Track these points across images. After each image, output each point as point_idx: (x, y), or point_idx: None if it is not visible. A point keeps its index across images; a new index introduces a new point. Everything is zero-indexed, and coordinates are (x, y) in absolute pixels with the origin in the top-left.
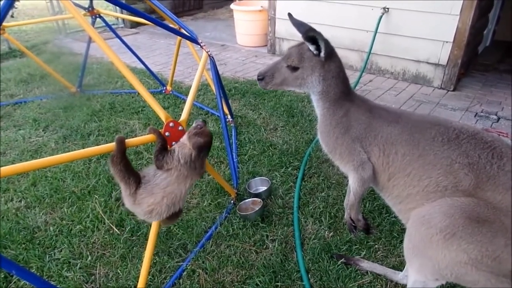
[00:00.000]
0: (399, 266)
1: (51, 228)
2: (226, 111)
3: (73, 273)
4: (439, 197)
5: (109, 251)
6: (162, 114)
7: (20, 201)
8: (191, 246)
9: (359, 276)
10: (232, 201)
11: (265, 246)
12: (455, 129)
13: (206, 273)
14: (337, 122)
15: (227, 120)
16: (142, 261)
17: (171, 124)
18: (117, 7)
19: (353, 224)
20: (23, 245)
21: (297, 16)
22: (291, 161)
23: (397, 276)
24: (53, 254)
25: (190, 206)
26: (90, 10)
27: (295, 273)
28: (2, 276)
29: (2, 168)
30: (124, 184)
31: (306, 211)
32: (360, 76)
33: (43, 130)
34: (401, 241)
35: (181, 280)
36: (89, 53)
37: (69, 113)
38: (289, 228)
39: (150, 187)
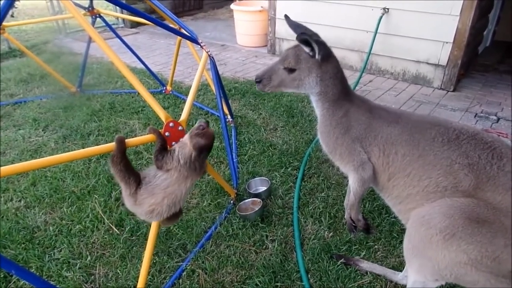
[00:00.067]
0: (399, 266)
1: (51, 228)
2: (226, 111)
3: (72, 273)
4: (439, 198)
5: (108, 251)
6: (162, 114)
7: (20, 201)
8: (190, 246)
9: (359, 277)
10: (231, 201)
11: (264, 246)
12: (455, 130)
13: (206, 273)
14: (337, 123)
15: (227, 120)
16: (141, 261)
17: (171, 124)
18: (117, 7)
19: (353, 224)
20: (22, 245)
21: (297, 17)
22: (291, 161)
23: (397, 277)
24: (52, 254)
25: (190, 206)
26: (90, 10)
27: (295, 273)
28: (2, 276)
29: (2, 168)
30: (124, 184)
31: (306, 211)
32: (360, 77)
33: (43, 130)
34: (401, 242)
35: (180, 280)
36: (89, 53)
37: (69, 113)
38: (289, 228)
39: (151, 187)
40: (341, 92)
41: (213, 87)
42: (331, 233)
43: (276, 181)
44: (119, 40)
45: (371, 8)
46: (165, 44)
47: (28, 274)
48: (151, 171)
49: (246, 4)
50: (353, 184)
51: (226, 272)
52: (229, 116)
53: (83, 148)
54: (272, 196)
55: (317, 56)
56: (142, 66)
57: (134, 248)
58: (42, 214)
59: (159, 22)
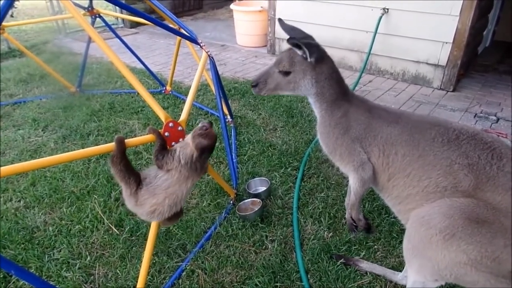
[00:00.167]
0: (399, 266)
1: (50, 228)
2: (226, 111)
3: (72, 273)
4: (439, 198)
5: (108, 251)
6: (161, 114)
7: (19, 201)
8: (190, 246)
9: (359, 277)
10: (231, 202)
11: (264, 246)
12: (455, 130)
13: (206, 274)
14: (336, 123)
15: (227, 120)
16: (141, 261)
17: (170, 124)
18: (117, 7)
19: (354, 224)
20: (22, 245)
21: (297, 17)
22: (291, 161)
23: (397, 277)
24: (52, 254)
25: (190, 207)
26: (90, 10)
27: (295, 274)
28: (1, 276)
29: (1, 168)
30: (125, 184)
31: (306, 211)
32: (360, 77)
33: (42, 130)
34: (401, 242)
35: (180, 281)
36: (89, 53)
37: (69, 113)
38: (289, 229)
39: (152, 188)
40: (338, 93)
41: (212, 87)
42: (330, 233)
43: (276, 181)
44: (118, 40)
45: (370, 8)
46: (165, 44)
47: (27, 274)
48: (151, 172)
49: (246, 4)
50: (353, 184)
51: (225, 272)
52: (228, 116)
53: (82, 148)
54: (271, 196)
55: (309, 59)
56: (141, 66)
57: (133, 248)
58: (41, 214)
59: (158, 22)
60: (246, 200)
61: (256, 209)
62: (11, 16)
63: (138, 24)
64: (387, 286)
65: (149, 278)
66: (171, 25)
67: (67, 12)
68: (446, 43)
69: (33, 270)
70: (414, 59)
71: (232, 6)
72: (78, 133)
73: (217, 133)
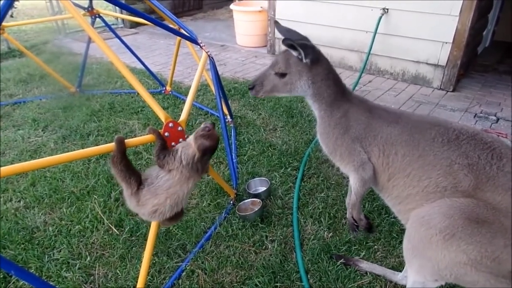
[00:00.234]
0: (399, 266)
1: (50, 229)
2: (226, 111)
3: (72, 273)
4: (439, 198)
5: (108, 252)
6: (161, 114)
7: (19, 201)
8: (190, 246)
9: (359, 277)
10: (231, 202)
11: (264, 246)
12: (454, 130)
13: (205, 274)
14: (336, 123)
15: (227, 120)
16: (141, 262)
17: (170, 125)
18: (117, 7)
19: (355, 224)
20: (22, 245)
21: (296, 17)
22: (291, 161)
23: (396, 277)
24: (52, 255)
25: (190, 207)
26: (90, 10)
27: (295, 274)
28: (1, 276)
29: (1, 168)
30: (125, 184)
31: (306, 211)
32: (360, 77)
33: (42, 130)
34: (401, 242)
35: (180, 281)
36: (89, 53)
37: (69, 113)
38: (289, 229)
39: (153, 188)
40: (336, 93)
41: (212, 88)
42: (330, 234)
43: (276, 182)
44: (118, 40)
45: (370, 8)
46: (165, 45)
47: (27, 275)
48: (153, 172)
49: (246, 5)
50: (354, 184)
51: (225, 272)
52: (228, 117)
53: (82, 148)
54: (271, 197)
55: (304, 60)
56: (141, 66)
57: (133, 248)
58: (41, 214)
59: (158, 22)
60: (246, 200)
61: (256, 209)
62: (11, 16)
63: (138, 24)
64: (387, 286)
65: (149, 278)
66: (171, 25)
67: (67, 12)
68: (446, 43)
69: (33, 270)
70: (414, 59)
71: (232, 6)
72: (78, 133)
73: (217, 134)
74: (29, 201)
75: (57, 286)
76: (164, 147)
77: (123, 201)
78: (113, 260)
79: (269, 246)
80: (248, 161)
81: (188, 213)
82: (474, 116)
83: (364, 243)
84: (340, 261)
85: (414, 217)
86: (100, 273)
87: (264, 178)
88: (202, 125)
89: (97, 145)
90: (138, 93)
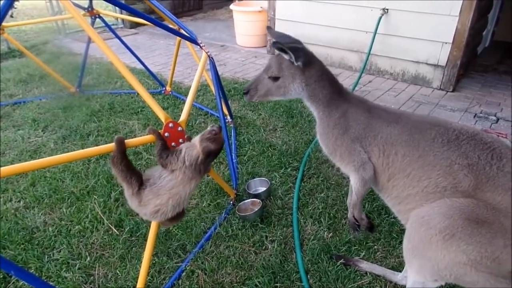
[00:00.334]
0: (398, 267)
1: (50, 229)
2: (226, 111)
3: (72, 273)
4: (439, 198)
5: (108, 252)
6: (161, 114)
7: (19, 201)
8: (190, 246)
9: (358, 277)
10: (231, 202)
11: (264, 247)
12: (454, 130)
13: (205, 274)
14: (335, 123)
15: (227, 120)
16: (141, 262)
17: (170, 125)
18: (117, 8)
19: (357, 223)
20: (22, 246)
21: (296, 17)
22: (291, 161)
23: (396, 277)
24: (52, 255)
25: (189, 207)
26: (90, 10)
27: (294, 274)
28: (1, 276)
29: (1, 168)
30: (126, 184)
31: (306, 212)
32: (360, 77)
33: (42, 130)
34: (400, 242)
35: (180, 281)
36: (89, 53)
37: (68, 113)
38: (288, 229)
39: (156, 189)
40: (332, 93)
41: (212, 88)
42: (330, 234)
43: (276, 182)
44: (118, 41)
45: (370, 8)
46: (165, 45)
47: (27, 275)
48: (155, 172)
49: (246, 5)
50: (355, 184)
51: (225, 272)
52: (228, 117)
53: (82, 148)
54: (271, 197)
55: (296, 63)
56: (141, 66)
57: (133, 248)
58: (41, 214)
59: (158, 22)
60: (246, 201)
61: (256, 209)
62: (11, 16)
63: (137, 25)
64: (387, 287)
65: (149, 279)
66: (170, 26)
67: (67, 12)
68: (446, 43)
69: (32, 270)
70: (413, 59)
71: (231, 6)
72: (78, 134)
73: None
74: (29, 201)
75: (57, 286)
76: (166, 147)
77: (123, 201)
78: (113, 260)
79: (269, 247)
80: (248, 162)
81: (188, 213)
82: (474, 116)
83: (364, 243)
84: (340, 261)
85: (414, 217)
86: (100, 273)
87: (264, 179)
88: (209, 128)
89: (97, 145)
90: (138, 93)
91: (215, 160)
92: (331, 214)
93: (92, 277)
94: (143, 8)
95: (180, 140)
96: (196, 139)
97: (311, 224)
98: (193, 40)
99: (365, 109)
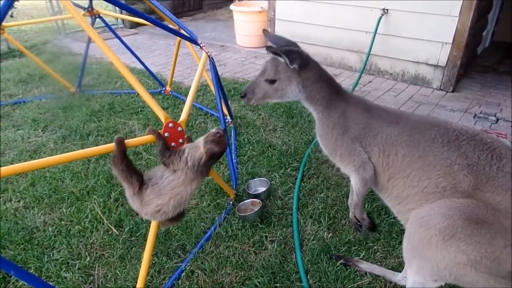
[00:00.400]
0: (398, 267)
1: (50, 229)
2: (226, 112)
3: (71, 273)
4: (438, 198)
5: (108, 252)
6: (161, 114)
7: (19, 201)
8: (190, 247)
9: (358, 277)
10: (231, 202)
11: (264, 247)
12: (454, 130)
13: (205, 274)
14: (335, 124)
15: (227, 121)
16: (141, 262)
17: (170, 125)
18: (117, 8)
19: (359, 223)
20: (21, 246)
21: (296, 17)
22: (290, 162)
23: (396, 277)
24: (51, 255)
25: (189, 207)
26: (90, 10)
27: (294, 274)
28: (1, 276)
29: (1, 168)
30: (127, 183)
31: (305, 212)
32: (360, 77)
33: (42, 130)
34: (400, 242)
35: (180, 281)
36: (89, 53)
37: (68, 113)
38: (288, 229)
39: (157, 188)
40: (330, 94)
41: (212, 88)
42: (330, 234)
43: (276, 182)
44: (118, 41)
45: (370, 9)
46: (165, 45)
47: (27, 275)
48: (157, 172)
49: (246, 5)
50: (355, 184)
51: (225, 273)
52: (228, 117)
53: (82, 148)
54: (271, 197)
55: (291, 65)
56: (141, 66)
57: (133, 248)
58: (41, 214)
59: (158, 22)
60: (245, 201)
61: (256, 209)
62: (11, 16)
63: (138, 25)
64: (387, 287)
65: (149, 279)
66: (171, 26)
67: (67, 12)
68: (446, 43)
69: (32, 270)
70: (413, 60)
71: (232, 6)
72: (78, 134)
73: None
74: (28, 201)
75: (56, 286)
76: (168, 146)
77: (122, 201)
78: (112, 261)
79: (269, 247)
80: (248, 162)
81: (188, 214)
82: (474, 117)
83: (364, 243)
84: (340, 261)
85: (414, 217)
86: (100, 274)
87: (264, 179)
88: (214, 130)
89: (97, 145)
90: (138, 94)
91: None
92: (331, 214)
93: (91, 277)
94: (143, 8)
95: (180, 140)
96: (200, 141)
97: (311, 224)
98: (193, 40)
99: (364, 109)
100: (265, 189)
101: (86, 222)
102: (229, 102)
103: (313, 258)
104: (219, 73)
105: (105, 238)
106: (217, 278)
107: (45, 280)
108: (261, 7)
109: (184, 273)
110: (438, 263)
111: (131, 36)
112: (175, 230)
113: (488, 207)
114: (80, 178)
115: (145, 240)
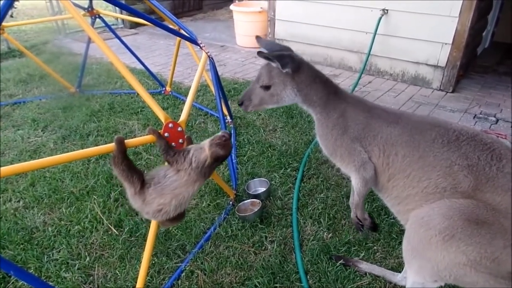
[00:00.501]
0: (398, 267)
1: (50, 229)
2: (225, 112)
3: (71, 273)
4: (438, 199)
5: (107, 252)
6: (161, 114)
7: (19, 201)
8: (189, 247)
9: (358, 278)
10: (231, 202)
11: (264, 247)
12: (454, 131)
13: (205, 274)
14: (334, 124)
15: (226, 121)
16: (140, 262)
17: (170, 125)
18: (117, 8)
19: (360, 223)
20: (21, 246)
21: (296, 18)
22: (290, 162)
23: (396, 278)
24: (51, 255)
25: (189, 207)
26: (90, 10)
27: (294, 275)
28: (1, 276)
29: (1, 168)
30: (128, 183)
31: (305, 212)
32: (359, 78)
33: (42, 130)
34: (400, 243)
35: (179, 281)
36: (89, 54)
37: (68, 113)
38: (288, 229)
39: (160, 188)
40: (328, 94)
41: (212, 88)
42: (330, 234)
43: (275, 182)
44: (118, 41)
45: (370, 9)
46: (165, 45)
47: (26, 275)
48: (160, 172)
49: (246, 5)
50: (356, 184)
51: (225, 273)
52: (228, 117)
53: (82, 148)
54: (271, 197)
55: (284, 70)
56: (141, 66)
57: (133, 248)
58: (41, 214)
59: (158, 22)
60: (245, 201)
61: (256, 210)
62: (11, 16)
63: (138, 25)
64: (387, 287)
65: (148, 279)
66: (171, 26)
67: (67, 12)
68: (446, 44)
69: (32, 270)
70: (413, 60)
71: (232, 6)
72: (78, 134)
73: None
74: (28, 201)
75: (56, 287)
76: (170, 145)
77: (122, 201)
78: (112, 261)
79: (269, 247)
80: (248, 162)
81: (187, 214)
82: (474, 117)
83: (364, 244)
84: (340, 262)
85: (414, 218)
86: (100, 274)
87: (263, 179)
88: (220, 133)
89: (97, 146)
90: (138, 94)
91: None
92: (331, 215)
93: (91, 277)
94: (143, 8)
95: (180, 141)
96: (206, 143)
97: (311, 224)
98: (193, 41)
99: (364, 109)
100: (265, 189)
101: (86, 222)
102: (229, 102)
103: (313, 258)
104: (219, 73)
105: (104, 238)
106: (217, 278)
107: (44, 280)
108: (261, 7)
109: (184, 273)
110: (438, 264)
111: (131, 36)
112: (175, 230)
113: (488, 207)
114: (80, 178)
115: (145, 240)
